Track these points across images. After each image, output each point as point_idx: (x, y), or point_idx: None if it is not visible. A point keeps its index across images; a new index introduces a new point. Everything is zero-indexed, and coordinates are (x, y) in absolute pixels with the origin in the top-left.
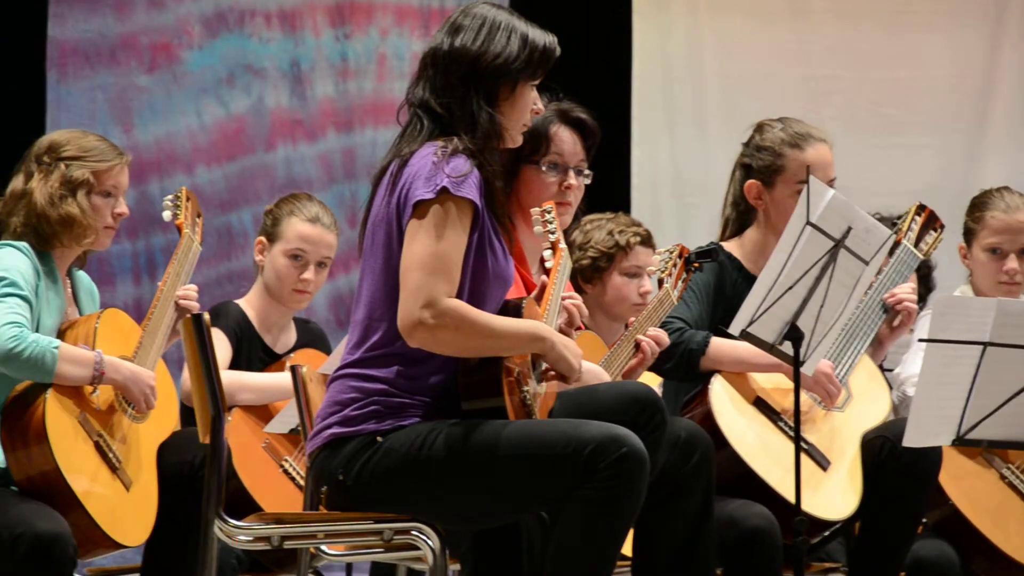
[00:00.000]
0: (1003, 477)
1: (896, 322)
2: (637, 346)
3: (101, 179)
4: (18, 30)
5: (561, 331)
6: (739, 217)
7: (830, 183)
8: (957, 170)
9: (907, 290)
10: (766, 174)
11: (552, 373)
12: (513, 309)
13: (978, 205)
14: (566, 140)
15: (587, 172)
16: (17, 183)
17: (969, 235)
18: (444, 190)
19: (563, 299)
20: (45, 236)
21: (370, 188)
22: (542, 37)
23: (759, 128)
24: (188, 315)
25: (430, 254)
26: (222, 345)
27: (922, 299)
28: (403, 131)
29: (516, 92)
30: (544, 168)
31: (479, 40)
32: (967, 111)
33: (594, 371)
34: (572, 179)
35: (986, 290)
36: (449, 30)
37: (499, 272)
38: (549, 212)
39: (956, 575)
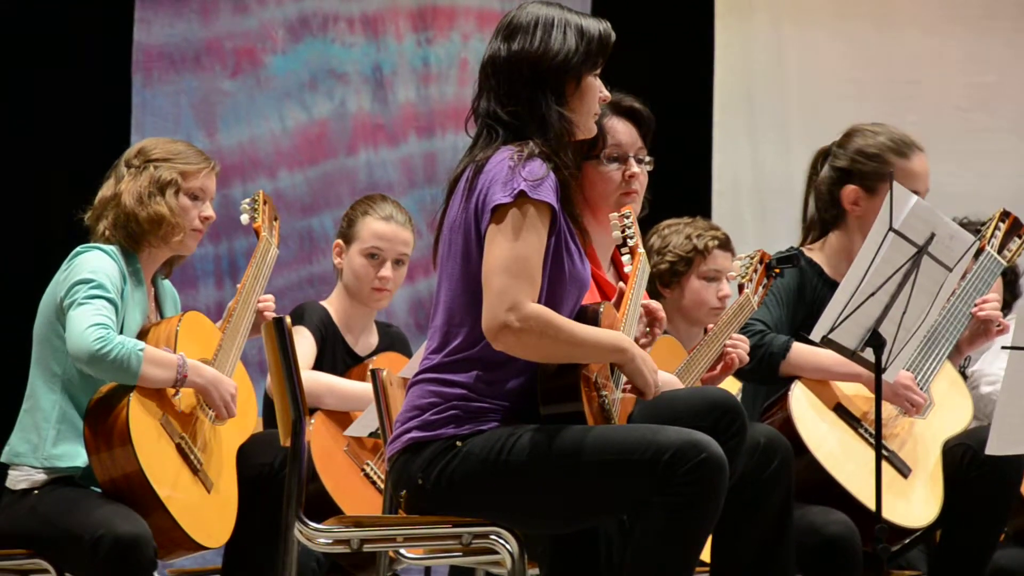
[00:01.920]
0: None
1: (979, 334)
2: (721, 355)
3: (188, 180)
4: (105, 35)
5: (641, 335)
6: (822, 222)
7: (924, 193)
8: None
9: (993, 305)
10: (870, 180)
11: (629, 385)
12: (592, 315)
13: None
14: (621, 130)
15: (648, 159)
16: (107, 189)
17: None
18: (522, 194)
19: (641, 304)
20: (134, 236)
21: (445, 194)
22: (596, 25)
23: (856, 133)
24: (270, 320)
25: (512, 257)
26: (307, 343)
27: (1008, 305)
28: (475, 141)
29: (582, 85)
30: (605, 161)
31: (536, 41)
32: None
33: (669, 380)
34: (634, 167)
35: None
36: (504, 35)
37: (576, 275)
38: (627, 217)
39: None
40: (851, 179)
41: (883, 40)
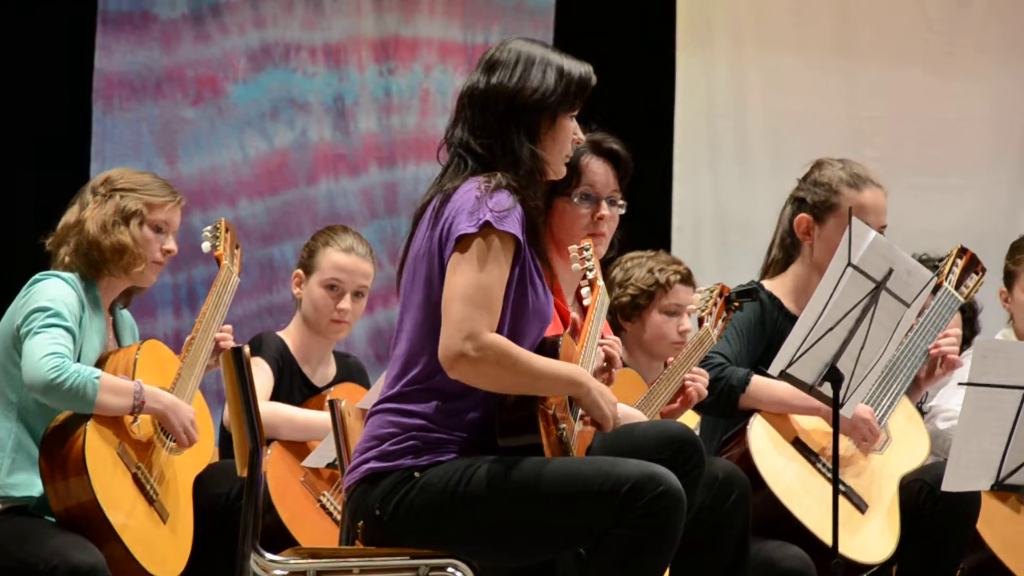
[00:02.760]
0: None
1: (937, 370)
2: (681, 389)
3: (153, 212)
4: (65, 62)
5: (598, 372)
6: (785, 256)
7: (881, 230)
8: (1000, 213)
9: (950, 340)
10: (820, 210)
11: (587, 418)
12: (550, 347)
13: (1018, 248)
14: (598, 171)
15: (621, 203)
16: (71, 215)
17: (1009, 278)
18: (487, 224)
19: (601, 340)
20: (94, 264)
21: (410, 223)
22: (578, 67)
23: (818, 164)
24: (228, 349)
25: (473, 286)
26: (264, 374)
27: (967, 341)
28: (444, 169)
29: (556, 125)
30: (576, 199)
31: (516, 76)
32: (1010, 153)
33: (629, 413)
34: (605, 210)
35: None
36: (485, 68)
37: (539, 308)
38: (587, 250)
39: None
40: (803, 208)
41: (844, 75)
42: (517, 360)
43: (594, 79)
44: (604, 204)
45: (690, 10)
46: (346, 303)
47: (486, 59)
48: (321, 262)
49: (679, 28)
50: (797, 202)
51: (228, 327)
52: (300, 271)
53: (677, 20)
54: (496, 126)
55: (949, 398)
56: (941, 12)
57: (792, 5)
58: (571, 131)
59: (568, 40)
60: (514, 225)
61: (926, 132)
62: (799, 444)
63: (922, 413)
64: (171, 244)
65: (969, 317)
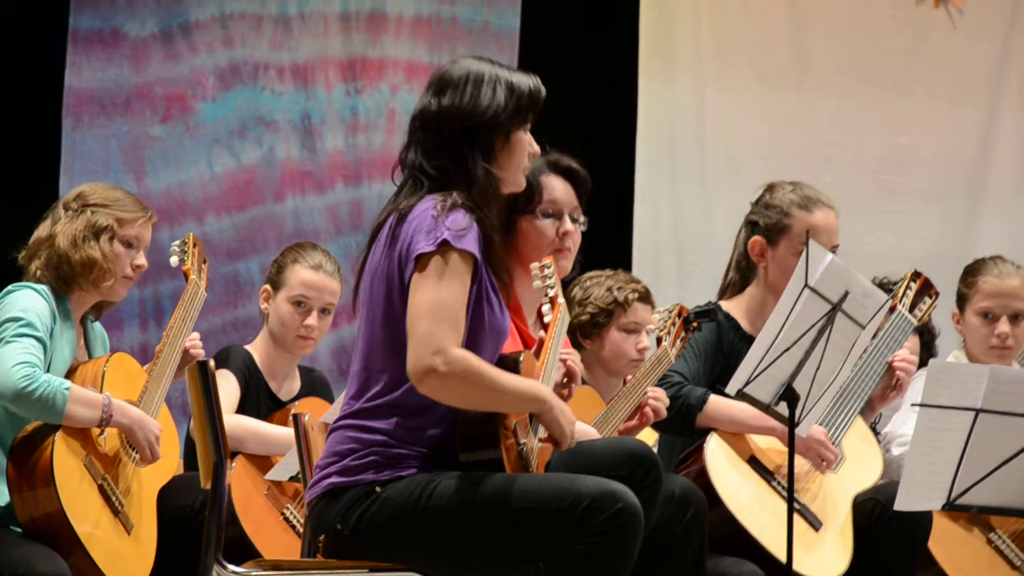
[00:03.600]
0: (990, 542)
1: (891, 386)
2: (639, 407)
3: (124, 228)
4: (36, 78)
5: (559, 387)
6: (741, 278)
7: (833, 249)
8: (953, 238)
9: (910, 357)
10: (771, 232)
11: (547, 434)
12: (511, 363)
13: (971, 271)
14: (558, 188)
15: (582, 219)
16: (43, 230)
17: (962, 300)
18: (445, 243)
19: (561, 356)
20: (65, 278)
21: (367, 241)
22: (527, 81)
23: (770, 188)
24: (194, 362)
25: (436, 302)
26: (230, 386)
27: (925, 364)
28: (400, 189)
29: (511, 140)
30: (540, 217)
31: (466, 96)
32: (965, 179)
33: (586, 431)
34: (568, 225)
35: (978, 355)
36: (435, 89)
37: (495, 325)
38: (548, 267)
39: None
40: (756, 230)
41: (801, 103)
42: (484, 375)
43: (544, 91)
44: (567, 220)
45: (653, 37)
46: (312, 320)
47: (436, 79)
48: (289, 278)
49: (642, 54)
50: (751, 225)
51: (196, 334)
52: (268, 286)
53: (640, 46)
54: (450, 146)
55: (902, 424)
56: (897, 44)
57: (751, 36)
58: (527, 144)
59: (532, 63)
60: (471, 243)
61: (882, 160)
62: (755, 463)
63: (875, 434)
64: (141, 259)
65: (927, 340)
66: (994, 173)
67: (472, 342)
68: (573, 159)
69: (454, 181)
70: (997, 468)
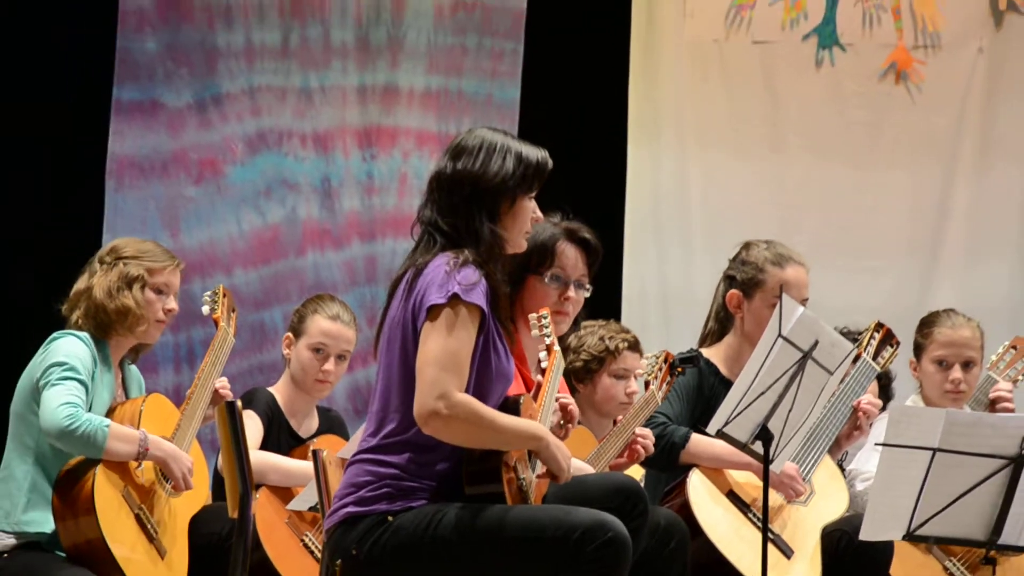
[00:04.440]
0: (946, 569)
1: (856, 427)
2: (628, 445)
3: (154, 276)
4: (82, 144)
5: (555, 428)
6: (720, 327)
7: (803, 302)
8: (912, 292)
9: (874, 401)
10: (748, 286)
11: (544, 469)
12: (512, 405)
13: (927, 323)
14: (570, 256)
15: (588, 287)
16: (81, 283)
17: (919, 350)
18: (455, 296)
19: (557, 398)
20: (102, 325)
21: (387, 293)
22: (535, 153)
23: (746, 246)
24: (223, 402)
25: (444, 351)
26: (255, 425)
27: (882, 408)
28: (416, 245)
29: (515, 205)
30: (547, 279)
31: (478, 162)
32: (923, 239)
33: (580, 467)
34: (572, 292)
35: (934, 399)
36: (452, 155)
37: (501, 371)
38: (545, 318)
39: None
40: (733, 284)
41: (776, 166)
42: (484, 417)
43: (550, 163)
44: (572, 287)
45: (640, 109)
46: (330, 365)
47: (453, 146)
48: (310, 327)
49: (630, 125)
50: (728, 279)
51: (224, 379)
52: (290, 334)
53: (629, 118)
54: (461, 207)
55: (866, 461)
56: (860, 118)
57: (728, 108)
58: (530, 210)
59: (531, 131)
60: (479, 297)
61: (847, 220)
62: (733, 496)
63: (842, 471)
64: (172, 304)
65: (884, 385)
66: (948, 234)
67: (480, 385)
68: (590, 231)
69: (464, 238)
70: (952, 502)
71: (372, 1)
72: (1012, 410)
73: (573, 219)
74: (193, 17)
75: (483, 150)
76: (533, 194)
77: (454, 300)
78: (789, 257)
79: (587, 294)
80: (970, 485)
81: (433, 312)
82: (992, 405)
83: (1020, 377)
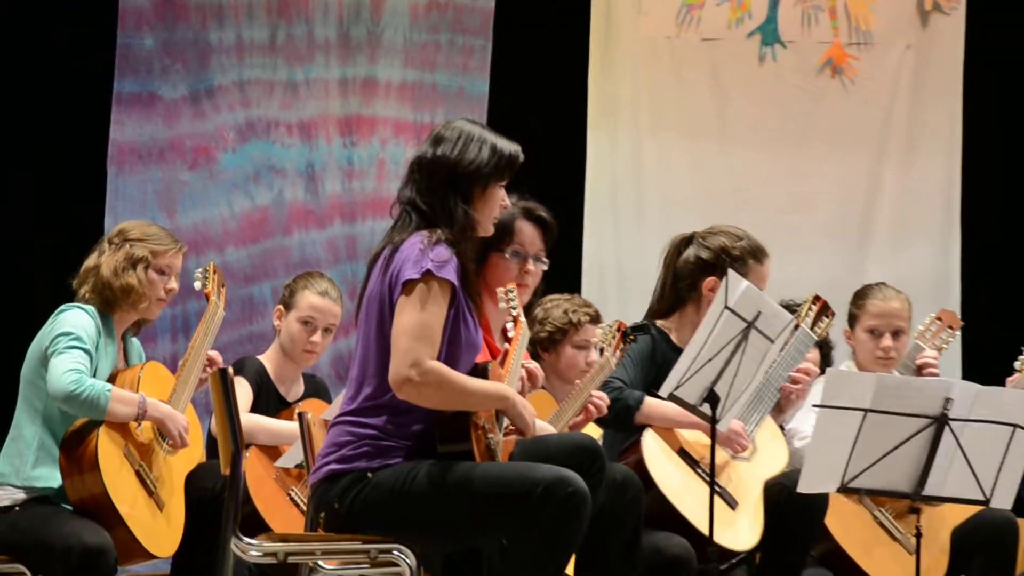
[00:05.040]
0: (875, 518)
1: (792, 396)
2: (585, 406)
3: (158, 258)
4: (85, 133)
5: (521, 390)
6: (674, 298)
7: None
8: (845, 267)
9: (812, 368)
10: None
11: (512, 427)
12: (481, 371)
13: (860, 295)
14: (527, 233)
15: (545, 261)
16: (90, 261)
17: (852, 320)
18: (428, 272)
19: (523, 364)
20: (107, 301)
21: (366, 269)
22: (508, 146)
23: (724, 234)
24: (216, 369)
25: (416, 323)
26: (245, 391)
27: (823, 373)
28: (395, 223)
29: (487, 192)
30: (508, 255)
31: (456, 150)
32: (855, 220)
33: (543, 427)
34: (531, 266)
35: (866, 365)
36: (432, 141)
37: (470, 341)
38: (511, 292)
39: None
40: (714, 271)
41: (722, 153)
42: (453, 382)
43: (522, 157)
44: (530, 261)
45: (598, 100)
46: (317, 337)
47: (434, 134)
48: (300, 302)
49: (590, 114)
50: (705, 263)
51: (216, 353)
52: (281, 307)
53: (588, 108)
54: (438, 189)
55: (803, 421)
56: (799, 108)
57: (679, 99)
58: (499, 198)
59: (499, 120)
60: (451, 273)
61: (786, 203)
62: (683, 453)
63: (782, 430)
64: (173, 284)
65: (825, 352)
66: (877, 216)
67: (451, 354)
68: (545, 209)
69: (439, 218)
70: (882, 458)
71: (352, 0)
72: (937, 375)
73: (529, 199)
74: (188, 16)
75: (461, 139)
76: (504, 183)
77: (427, 276)
78: (765, 252)
79: (545, 267)
80: (897, 442)
81: (408, 286)
82: (919, 370)
83: (944, 346)
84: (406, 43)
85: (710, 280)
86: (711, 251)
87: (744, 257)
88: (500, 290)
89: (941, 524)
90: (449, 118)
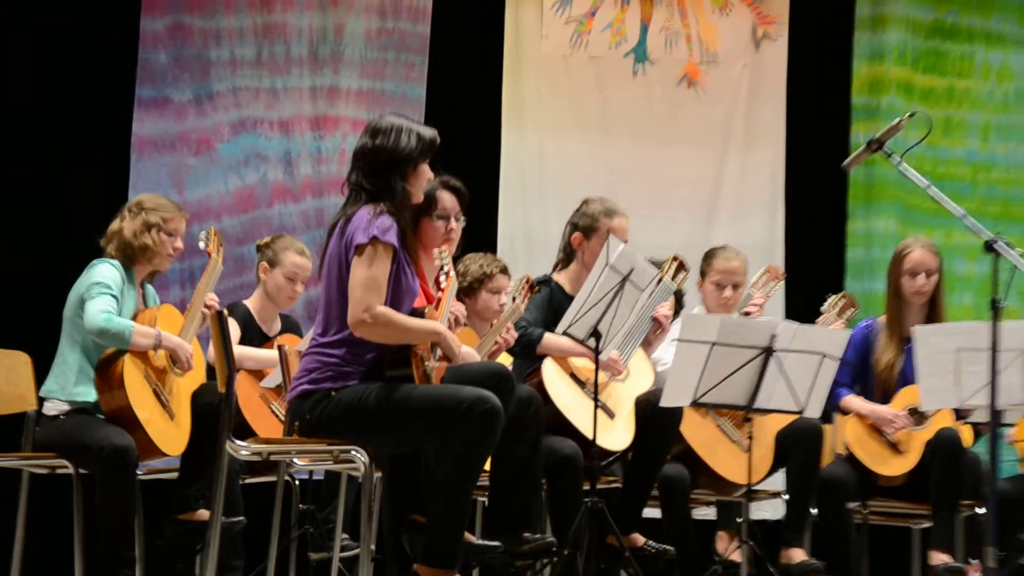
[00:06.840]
0: (719, 426)
1: (657, 332)
2: (498, 341)
3: (167, 224)
4: (112, 129)
5: (450, 326)
6: (566, 258)
7: (624, 241)
8: (700, 234)
9: (669, 313)
10: (587, 231)
11: (442, 355)
12: (419, 313)
13: (709, 255)
14: (447, 200)
15: (462, 219)
16: (115, 225)
17: (703, 275)
18: (374, 238)
19: (452, 309)
20: (128, 257)
21: (326, 235)
22: (428, 131)
23: (586, 201)
24: (214, 311)
25: (367, 278)
26: (235, 328)
27: (677, 315)
28: (347, 200)
29: (417, 169)
30: (435, 219)
31: (390, 139)
32: (705, 197)
33: (469, 353)
34: (453, 224)
35: (713, 309)
36: (370, 134)
37: (409, 288)
38: (443, 252)
39: (687, 487)
40: (576, 229)
41: (605, 146)
42: (397, 322)
43: (438, 139)
44: (452, 221)
45: (510, 104)
46: (299, 288)
47: (370, 127)
48: (284, 260)
49: (503, 114)
50: (573, 225)
51: (215, 297)
52: (266, 263)
53: (502, 110)
54: (380, 172)
55: (665, 351)
56: (664, 110)
57: (572, 104)
58: (426, 172)
59: (433, 119)
60: (392, 237)
61: (655, 183)
62: (574, 377)
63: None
64: (179, 244)
65: (679, 298)
66: (722, 193)
67: (395, 299)
68: (459, 180)
69: (381, 194)
70: (724, 380)
71: (320, 26)
72: (762, 315)
73: (444, 174)
74: (193, 37)
75: (393, 130)
76: (428, 160)
77: (374, 240)
78: (615, 210)
79: (463, 224)
80: (735, 368)
81: (359, 249)
82: (747, 313)
83: (771, 294)
84: (362, 59)
85: (574, 236)
86: (578, 214)
87: (598, 215)
88: (435, 251)
89: (768, 429)
90: (381, 113)
